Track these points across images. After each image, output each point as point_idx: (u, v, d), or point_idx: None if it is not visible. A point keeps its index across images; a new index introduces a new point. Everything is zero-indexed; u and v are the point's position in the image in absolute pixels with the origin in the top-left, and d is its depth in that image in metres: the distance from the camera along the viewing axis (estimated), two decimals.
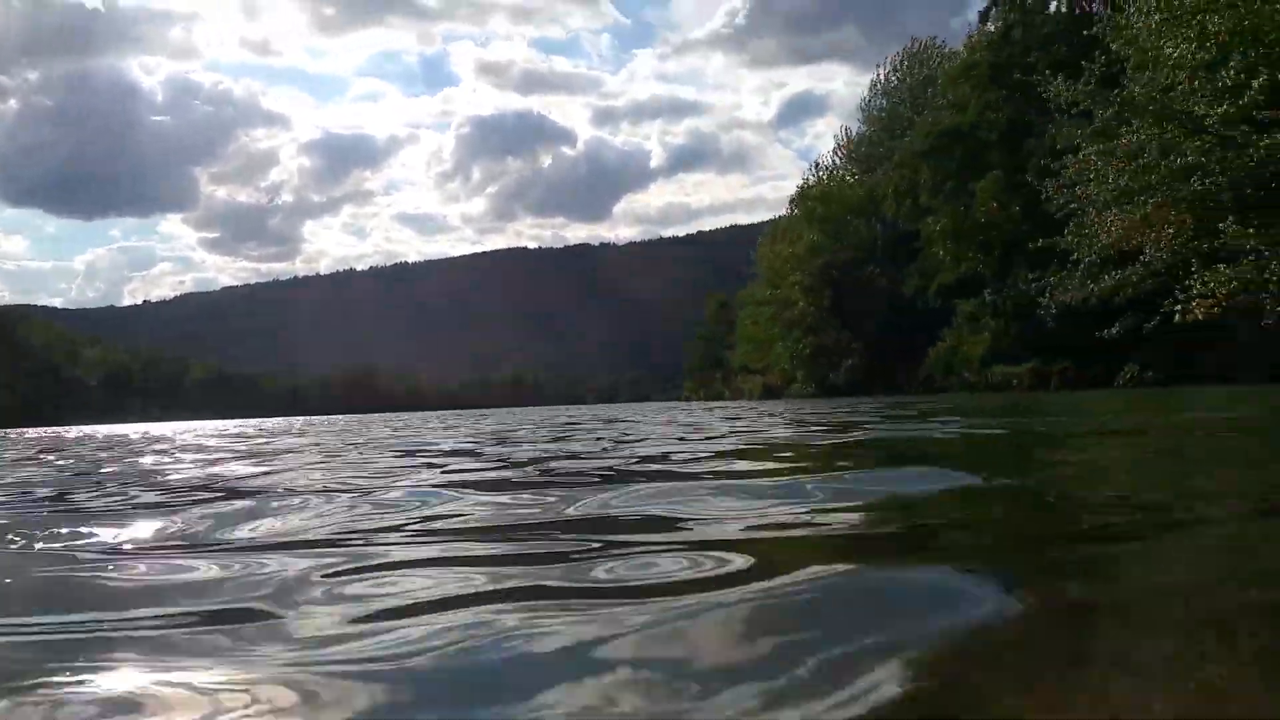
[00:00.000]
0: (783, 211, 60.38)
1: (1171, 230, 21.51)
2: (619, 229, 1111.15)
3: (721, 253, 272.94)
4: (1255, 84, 19.00)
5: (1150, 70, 21.48)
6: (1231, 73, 19.35)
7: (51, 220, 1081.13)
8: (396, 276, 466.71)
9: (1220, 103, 19.76)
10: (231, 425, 29.06)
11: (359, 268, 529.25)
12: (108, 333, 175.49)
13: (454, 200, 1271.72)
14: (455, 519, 2.65)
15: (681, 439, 7.03)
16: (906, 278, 42.52)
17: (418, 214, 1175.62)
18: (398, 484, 3.84)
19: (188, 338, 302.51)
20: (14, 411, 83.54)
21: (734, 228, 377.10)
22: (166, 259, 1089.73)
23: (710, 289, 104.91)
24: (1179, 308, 20.98)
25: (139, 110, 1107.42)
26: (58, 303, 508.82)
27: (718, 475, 3.78)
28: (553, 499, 2.99)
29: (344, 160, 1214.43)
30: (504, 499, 3.11)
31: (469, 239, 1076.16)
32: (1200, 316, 20.39)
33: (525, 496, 3.13)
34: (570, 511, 2.68)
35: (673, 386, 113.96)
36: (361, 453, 6.95)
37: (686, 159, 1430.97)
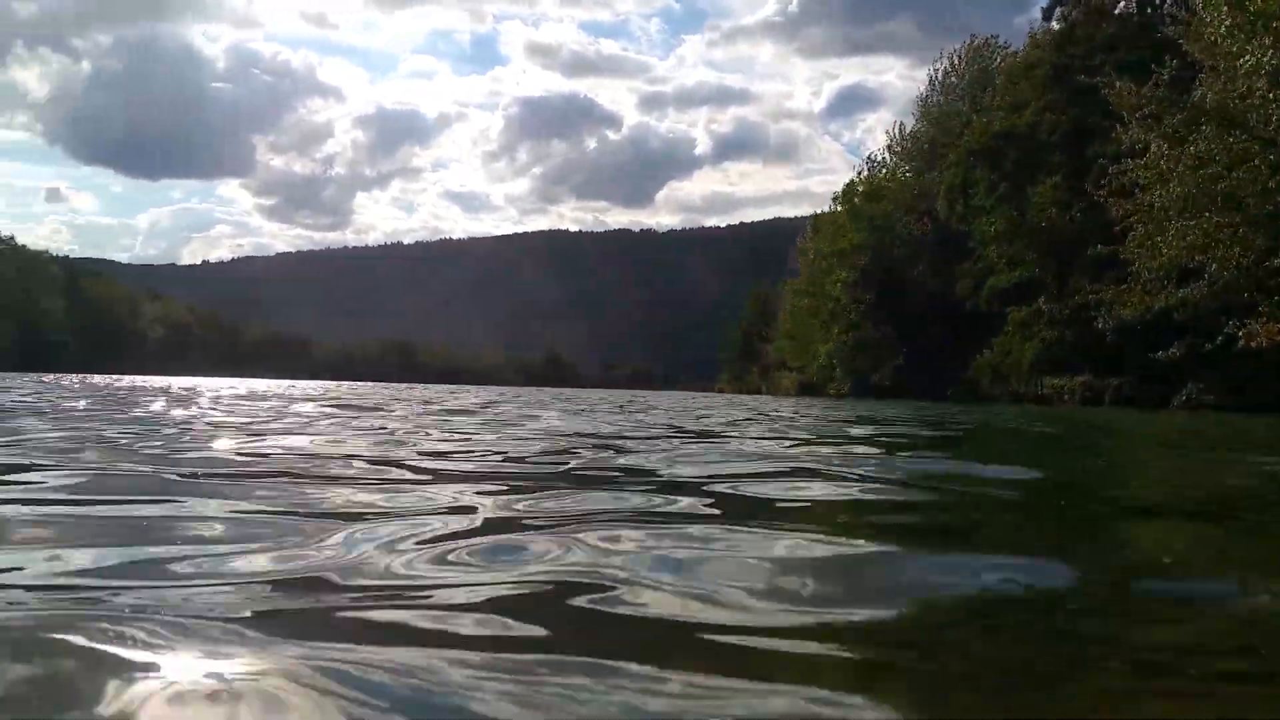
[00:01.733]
0: (828, 206, 59.11)
1: (1238, 249, 20.46)
2: (661, 216, 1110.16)
3: (763, 244, 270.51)
4: None
5: (1224, 76, 20.39)
6: None
7: (119, 179, 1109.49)
8: (441, 252, 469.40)
9: None
10: (297, 386, 28.51)
11: (406, 241, 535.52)
12: (168, 289, 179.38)
13: (499, 180, 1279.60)
14: None
15: None
16: (957, 280, 41.35)
17: (463, 192, 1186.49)
18: None
19: (243, 297, 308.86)
20: (80, 358, 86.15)
21: (778, 220, 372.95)
22: (224, 222, 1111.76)
23: (751, 281, 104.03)
24: (1242, 332, 19.96)
25: (201, 77, 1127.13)
26: (123, 258, 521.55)
27: None
28: None
29: (395, 136, 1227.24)
30: None
31: (512, 219, 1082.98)
32: (1265, 344, 19.36)
33: None
34: None
35: (707, 376, 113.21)
36: None
37: (732, 148, 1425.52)
